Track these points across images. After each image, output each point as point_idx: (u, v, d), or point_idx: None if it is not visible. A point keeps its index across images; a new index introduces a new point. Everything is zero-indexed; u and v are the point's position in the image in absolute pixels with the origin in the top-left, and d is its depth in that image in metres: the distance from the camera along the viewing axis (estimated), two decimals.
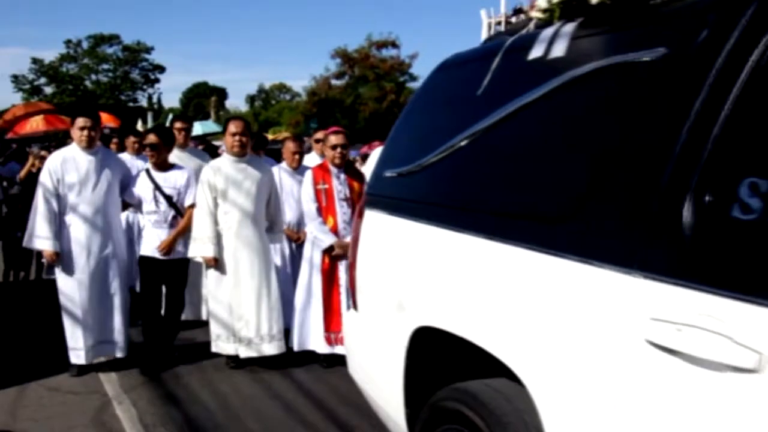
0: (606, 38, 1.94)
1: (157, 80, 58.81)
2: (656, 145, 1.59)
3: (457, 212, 2.21)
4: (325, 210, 4.88)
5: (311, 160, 6.06)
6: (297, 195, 5.40)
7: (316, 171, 4.99)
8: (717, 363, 1.33)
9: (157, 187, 4.91)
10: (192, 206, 4.91)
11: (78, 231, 4.65)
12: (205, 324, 5.24)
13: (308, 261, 4.97)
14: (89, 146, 4.69)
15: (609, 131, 1.76)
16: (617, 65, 1.81)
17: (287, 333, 4.99)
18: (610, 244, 1.62)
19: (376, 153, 5.78)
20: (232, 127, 4.89)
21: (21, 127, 12.23)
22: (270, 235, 5.08)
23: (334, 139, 4.96)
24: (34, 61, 53.03)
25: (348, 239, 4.57)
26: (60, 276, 4.71)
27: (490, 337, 1.96)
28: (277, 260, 5.35)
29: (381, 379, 2.57)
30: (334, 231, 4.84)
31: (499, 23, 2.67)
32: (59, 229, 4.62)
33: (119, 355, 4.80)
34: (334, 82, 36.22)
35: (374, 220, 2.70)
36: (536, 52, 2.08)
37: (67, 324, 4.68)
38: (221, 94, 58.13)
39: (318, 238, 4.85)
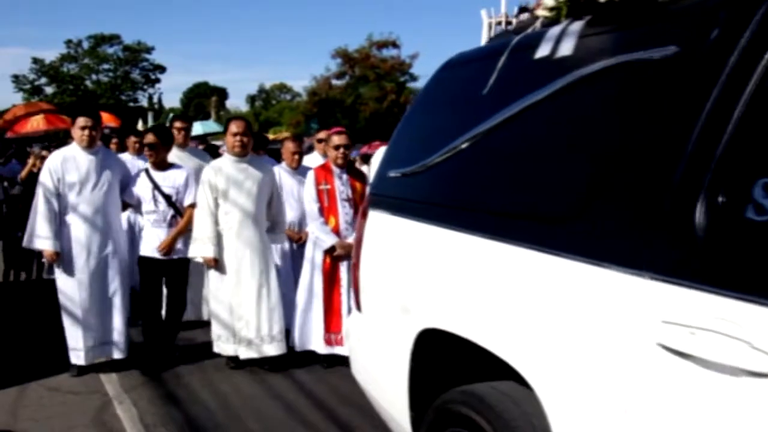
0: (614, 36, 1.92)
1: (158, 80, 58.87)
2: (668, 145, 1.56)
3: (462, 213, 2.19)
4: (326, 210, 4.86)
5: (313, 160, 6.03)
6: (297, 195, 5.40)
7: (318, 171, 4.98)
8: (733, 367, 1.30)
9: (156, 187, 4.89)
10: (192, 206, 4.89)
11: (78, 231, 4.63)
12: (207, 324, 5.22)
13: (310, 261, 4.96)
14: (90, 146, 4.67)
15: (618, 130, 1.74)
16: (626, 64, 1.79)
17: (288, 333, 4.97)
18: (621, 245, 1.59)
19: (379, 153, 5.76)
20: (234, 127, 4.86)
21: (21, 126, 12.18)
22: (272, 236, 5.05)
23: (337, 140, 4.94)
24: (35, 61, 53.10)
25: (350, 240, 4.57)
26: (60, 276, 4.69)
27: (498, 340, 1.93)
28: (278, 260, 5.33)
29: (385, 382, 2.55)
30: (336, 231, 4.83)
31: (499, 23, 2.67)
32: (59, 229, 4.60)
33: (119, 356, 4.78)
34: (334, 82, 36.21)
35: (378, 220, 2.67)
36: (543, 51, 2.05)
37: (67, 324, 4.66)
38: (222, 94, 58.14)
39: (319, 238, 4.84)
